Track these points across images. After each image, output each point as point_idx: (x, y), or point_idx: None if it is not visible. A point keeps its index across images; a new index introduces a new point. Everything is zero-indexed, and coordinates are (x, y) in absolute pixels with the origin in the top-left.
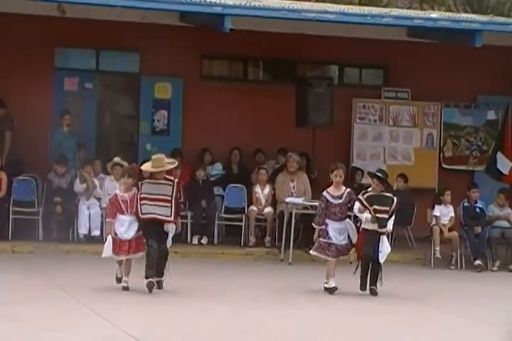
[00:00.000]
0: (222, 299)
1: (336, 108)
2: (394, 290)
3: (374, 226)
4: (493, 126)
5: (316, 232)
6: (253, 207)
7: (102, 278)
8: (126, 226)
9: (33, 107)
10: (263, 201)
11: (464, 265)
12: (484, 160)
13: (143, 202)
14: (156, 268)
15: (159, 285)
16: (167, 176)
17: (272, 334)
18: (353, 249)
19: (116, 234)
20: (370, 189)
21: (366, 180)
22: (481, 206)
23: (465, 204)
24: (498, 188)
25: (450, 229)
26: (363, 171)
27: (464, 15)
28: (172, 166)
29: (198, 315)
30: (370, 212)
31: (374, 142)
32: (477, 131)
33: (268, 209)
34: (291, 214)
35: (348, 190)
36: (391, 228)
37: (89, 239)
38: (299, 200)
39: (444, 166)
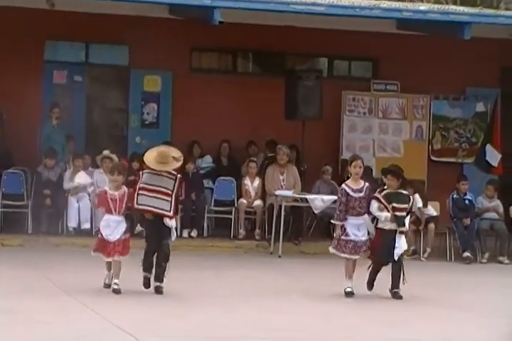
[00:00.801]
0: (212, 292)
1: (326, 100)
2: (384, 283)
3: (392, 226)
4: (482, 118)
5: (338, 229)
6: (243, 200)
7: (92, 272)
8: (112, 228)
9: (22, 100)
10: (253, 194)
11: (453, 257)
12: (473, 152)
13: (141, 191)
14: (155, 272)
15: (158, 290)
16: (170, 170)
17: (265, 328)
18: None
19: (101, 234)
20: (385, 186)
21: None
22: (470, 198)
23: (454, 196)
24: (487, 180)
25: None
26: None
27: (453, 8)
28: (178, 164)
29: (188, 308)
30: (388, 211)
31: (363, 134)
32: (466, 123)
33: (258, 202)
34: (280, 206)
35: (367, 184)
36: (408, 227)
37: (78, 231)
38: (289, 193)
39: (433, 158)
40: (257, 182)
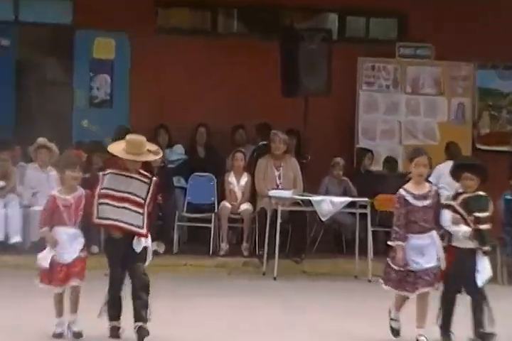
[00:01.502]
0: (185, 333)
1: (336, 70)
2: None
3: (471, 244)
4: None
5: (399, 252)
6: (225, 203)
7: (31, 303)
8: (66, 244)
9: None
10: (239, 195)
11: (504, 279)
12: None
13: (102, 200)
14: (134, 307)
15: (142, 332)
16: (142, 171)
17: None
18: None
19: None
20: (456, 186)
21: (377, 166)
22: None
23: (507, 197)
24: None
25: None
26: (373, 153)
27: None
28: (157, 157)
29: None
30: (467, 224)
31: (386, 115)
32: None
33: (245, 206)
34: (276, 212)
35: (434, 187)
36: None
37: (6, 247)
38: (287, 193)
39: (479, 146)
40: (244, 179)
